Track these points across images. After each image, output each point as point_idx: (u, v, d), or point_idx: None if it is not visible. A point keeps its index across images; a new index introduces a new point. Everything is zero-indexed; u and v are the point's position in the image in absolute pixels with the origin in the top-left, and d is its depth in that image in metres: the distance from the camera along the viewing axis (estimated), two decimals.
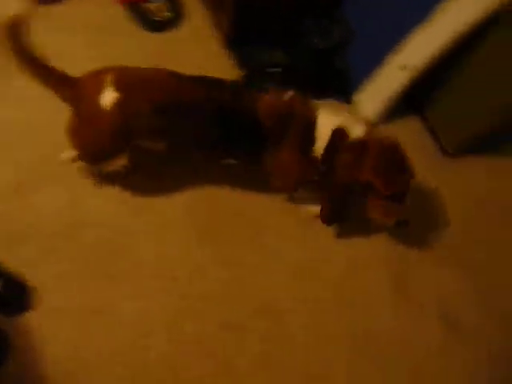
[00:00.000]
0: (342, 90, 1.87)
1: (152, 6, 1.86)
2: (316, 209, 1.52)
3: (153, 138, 1.38)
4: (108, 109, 1.20)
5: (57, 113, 1.27)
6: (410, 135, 1.89)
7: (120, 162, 1.48)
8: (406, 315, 1.56)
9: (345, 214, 1.48)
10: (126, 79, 1.23)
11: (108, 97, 1.19)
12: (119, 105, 1.20)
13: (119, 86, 1.20)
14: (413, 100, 1.92)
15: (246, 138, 1.36)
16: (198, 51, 1.89)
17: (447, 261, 1.67)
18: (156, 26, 1.85)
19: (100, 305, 1.39)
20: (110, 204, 1.54)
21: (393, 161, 1.33)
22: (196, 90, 1.28)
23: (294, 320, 1.49)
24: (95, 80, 1.22)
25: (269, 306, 1.49)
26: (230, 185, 1.65)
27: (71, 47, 1.77)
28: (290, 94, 1.36)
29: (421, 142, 1.90)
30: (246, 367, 1.38)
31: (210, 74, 1.67)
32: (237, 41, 1.82)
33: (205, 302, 1.46)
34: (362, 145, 1.32)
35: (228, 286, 1.50)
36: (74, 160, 1.45)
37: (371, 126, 1.44)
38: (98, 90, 1.20)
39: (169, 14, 1.86)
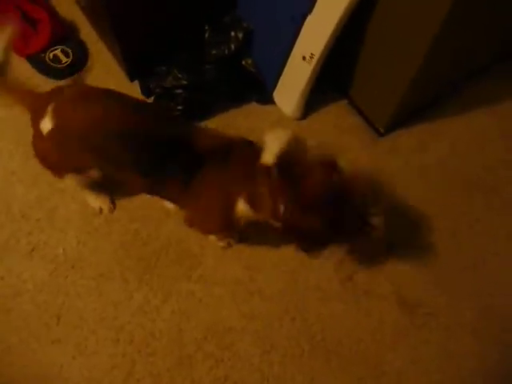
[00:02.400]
0: (258, 91, 1.80)
1: (52, 55, 1.83)
2: None
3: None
4: (45, 133, 1.23)
5: None
6: (341, 120, 1.84)
7: None
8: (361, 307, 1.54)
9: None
10: (62, 110, 1.23)
11: (45, 124, 1.22)
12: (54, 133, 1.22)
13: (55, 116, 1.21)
14: (338, 83, 1.84)
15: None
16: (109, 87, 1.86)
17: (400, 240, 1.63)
18: (61, 72, 1.83)
19: (46, 370, 1.42)
20: (40, 268, 1.55)
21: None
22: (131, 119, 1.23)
23: (244, 338, 1.48)
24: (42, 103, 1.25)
25: (217, 329, 1.49)
26: (158, 220, 1.64)
27: None
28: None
29: (353, 124, 1.82)
30: None
31: None
32: (138, 70, 1.78)
33: (154, 342, 1.48)
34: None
35: (173, 320, 1.50)
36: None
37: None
38: (40, 116, 1.23)
39: (69, 59, 1.83)
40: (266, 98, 1.82)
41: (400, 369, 1.47)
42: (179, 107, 1.71)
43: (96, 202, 1.62)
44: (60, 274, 1.55)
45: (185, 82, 1.68)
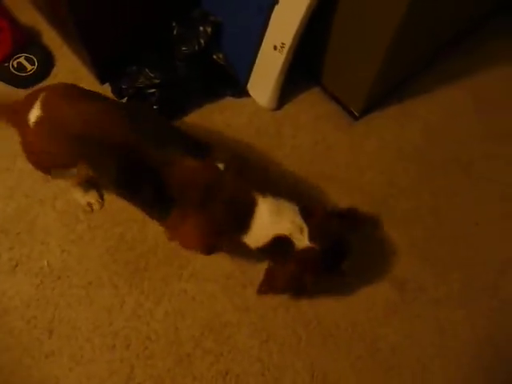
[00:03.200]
0: (232, 85, 1.80)
1: (15, 63, 1.78)
2: None
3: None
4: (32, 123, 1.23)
5: None
6: (316, 108, 1.85)
7: None
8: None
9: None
10: (50, 104, 1.23)
11: (33, 113, 1.22)
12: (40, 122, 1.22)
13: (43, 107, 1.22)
14: (310, 71, 1.86)
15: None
16: None
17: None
18: (27, 81, 1.78)
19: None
20: (25, 283, 1.52)
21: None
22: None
23: (241, 330, 1.49)
24: (31, 98, 1.26)
25: (213, 325, 1.49)
26: (143, 221, 1.62)
27: None
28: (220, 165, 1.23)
29: (328, 111, 1.84)
30: None
31: None
32: (108, 72, 1.75)
33: (151, 345, 1.47)
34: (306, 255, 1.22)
35: (168, 321, 1.49)
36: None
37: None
38: (27, 109, 1.24)
39: (34, 66, 1.78)
40: (240, 91, 1.82)
41: (394, 344, 1.50)
42: (155, 106, 1.69)
43: (84, 198, 1.59)
44: (47, 286, 1.52)
45: (157, 81, 1.66)
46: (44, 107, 1.23)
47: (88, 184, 1.58)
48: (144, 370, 1.43)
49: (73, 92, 1.29)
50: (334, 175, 1.72)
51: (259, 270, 1.53)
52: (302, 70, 1.84)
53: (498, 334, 1.52)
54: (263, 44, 1.64)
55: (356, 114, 1.79)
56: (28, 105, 1.25)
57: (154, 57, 1.72)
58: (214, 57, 1.76)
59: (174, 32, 1.72)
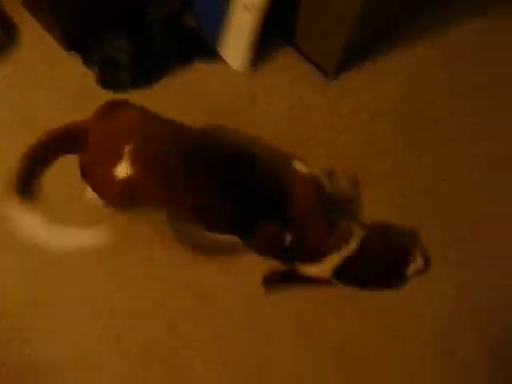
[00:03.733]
0: (204, 49, 1.76)
1: None
2: None
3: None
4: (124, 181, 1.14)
5: None
6: (291, 69, 1.83)
7: None
8: None
9: None
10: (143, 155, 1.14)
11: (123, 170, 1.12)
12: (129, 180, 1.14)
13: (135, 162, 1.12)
14: (283, 32, 1.82)
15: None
16: (42, 65, 1.77)
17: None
18: None
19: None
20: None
21: None
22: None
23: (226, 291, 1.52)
24: (110, 143, 1.14)
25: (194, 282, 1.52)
26: None
27: None
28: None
29: (302, 72, 1.82)
30: None
31: (63, 83, 1.67)
32: (77, 42, 1.69)
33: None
34: None
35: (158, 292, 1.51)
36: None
37: None
38: (112, 160, 1.12)
39: None
40: (213, 55, 1.79)
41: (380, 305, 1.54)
42: (127, 73, 1.65)
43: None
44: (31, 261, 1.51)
45: (128, 49, 1.61)
46: (136, 164, 1.12)
47: None
48: (131, 337, 1.45)
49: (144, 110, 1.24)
50: (311, 138, 1.72)
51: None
52: (275, 31, 1.81)
53: (475, 286, 1.56)
54: (233, 4, 1.60)
55: (331, 73, 1.78)
56: (106, 148, 1.14)
57: (124, 25, 1.66)
58: (185, 20, 1.71)
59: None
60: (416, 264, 1.44)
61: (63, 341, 1.44)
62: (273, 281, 1.48)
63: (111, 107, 1.22)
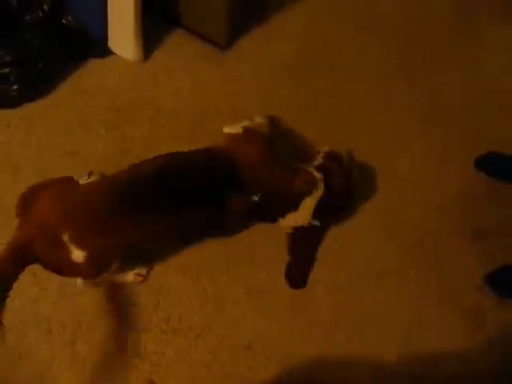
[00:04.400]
0: (91, 45, 1.74)
1: None
2: None
3: None
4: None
5: None
6: (184, 49, 1.86)
7: None
8: None
9: None
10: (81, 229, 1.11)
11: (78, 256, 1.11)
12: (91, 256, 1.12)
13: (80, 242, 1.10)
14: (169, 15, 1.84)
15: None
16: None
17: None
18: None
19: None
20: None
21: None
22: None
23: (172, 275, 1.53)
24: (51, 240, 1.11)
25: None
26: None
27: None
28: None
29: (196, 49, 1.86)
30: None
31: None
32: None
33: (85, 318, 1.46)
34: None
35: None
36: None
37: None
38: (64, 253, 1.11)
39: None
40: (103, 50, 1.78)
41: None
42: (15, 86, 1.60)
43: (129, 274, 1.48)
44: None
45: (9, 58, 1.56)
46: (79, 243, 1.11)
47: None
48: (85, 343, 1.43)
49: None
50: (217, 107, 1.76)
51: None
52: (162, 17, 1.83)
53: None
54: None
55: (223, 44, 1.83)
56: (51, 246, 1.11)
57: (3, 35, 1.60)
58: (64, 21, 1.69)
59: (14, 3, 1.61)
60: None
61: None
62: None
63: (25, 200, 1.19)
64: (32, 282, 1.49)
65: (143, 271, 1.51)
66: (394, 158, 1.76)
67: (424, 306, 1.56)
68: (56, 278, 1.44)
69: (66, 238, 1.09)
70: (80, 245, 1.10)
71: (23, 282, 1.44)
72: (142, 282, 1.51)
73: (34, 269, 1.43)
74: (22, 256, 1.13)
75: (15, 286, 1.41)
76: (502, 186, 1.72)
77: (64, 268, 1.17)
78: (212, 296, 1.53)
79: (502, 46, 2.01)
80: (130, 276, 1.48)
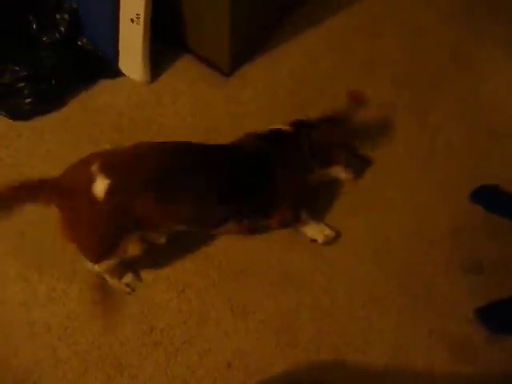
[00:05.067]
0: (103, 67, 1.85)
1: None
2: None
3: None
4: (102, 196, 1.15)
5: None
6: (190, 73, 1.95)
7: None
8: None
9: None
10: (112, 162, 1.20)
11: (99, 186, 1.15)
12: (112, 190, 1.15)
13: (108, 172, 1.16)
14: (176, 39, 1.95)
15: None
16: None
17: None
18: None
19: None
20: None
21: None
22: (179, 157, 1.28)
23: (157, 287, 1.55)
24: (81, 172, 1.18)
25: None
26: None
27: None
28: None
29: (201, 73, 1.94)
30: None
31: None
32: None
33: (72, 323, 1.49)
34: None
35: (83, 296, 1.52)
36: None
37: None
38: (88, 181, 1.15)
39: None
40: (113, 71, 1.88)
41: (300, 265, 1.62)
42: (28, 100, 1.71)
43: (122, 281, 1.53)
44: None
45: (25, 73, 1.68)
46: (108, 170, 1.16)
47: (121, 267, 1.50)
48: (68, 348, 1.45)
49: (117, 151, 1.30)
50: (217, 127, 1.82)
51: None
52: (169, 40, 1.94)
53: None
54: (121, 20, 1.71)
55: (227, 70, 1.91)
56: (80, 178, 1.17)
57: (18, 51, 1.73)
58: (79, 43, 1.81)
59: (34, 25, 1.75)
60: None
61: None
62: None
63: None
64: (23, 287, 1.54)
65: (130, 279, 1.53)
66: (388, 187, 1.76)
67: (411, 335, 1.52)
68: (46, 281, 1.53)
69: (94, 167, 1.15)
70: (107, 174, 1.15)
71: (14, 285, 1.53)
72: (129, 293, 1.54)
73: (25, 273, 1.55)
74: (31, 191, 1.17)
75: (5, 288, 1.52)
76: (497, 219, 1.69)
77: (79, 212, 1.19)
78: (196, 311, 1.53)
79: (501, 78, 2.02)
80: (118, 284, 1.51)
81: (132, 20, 1.68)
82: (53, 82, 1.75)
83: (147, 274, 1.57)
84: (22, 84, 1.69)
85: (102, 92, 1.89)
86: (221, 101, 1.89)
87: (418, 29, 2.13)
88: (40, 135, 1.79)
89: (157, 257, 1.59)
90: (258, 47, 1.99)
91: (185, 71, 1.94)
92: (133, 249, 1.53)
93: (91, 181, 1.15)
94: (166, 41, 1.91)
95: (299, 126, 1.52)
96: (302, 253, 1.63)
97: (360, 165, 1.74)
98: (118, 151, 1.27)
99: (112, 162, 1.20)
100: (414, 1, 2.21)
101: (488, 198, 1.73)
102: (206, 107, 1.87)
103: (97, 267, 1.37)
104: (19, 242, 1.60)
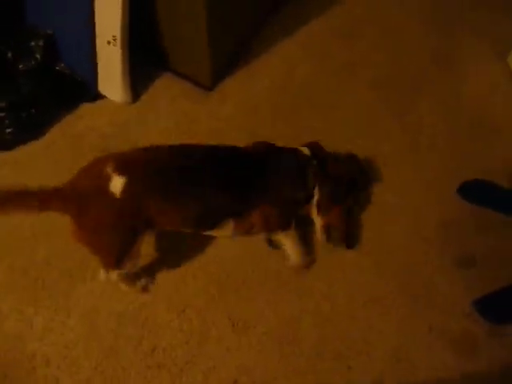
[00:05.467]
0: (83, 91, 1.84)
1: None
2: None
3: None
4: (119, 194, 1.17)
5: None
6: (171, 90, 1.95)
7: None
8: None
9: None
10: (124, 162, 1.22)
11: (116, 184, 1.17)
12: (129, 187, 1.18)
13: (122, 171, 1.18)
14: (157, 58, 1.95)
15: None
16: None
17: None
18: None
19: None
20: None
21: None
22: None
23: (158, 308, 1.54)
24: (95, 174, 1.20)
25: (127, 310, 1.53)
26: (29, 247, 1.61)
27: None
28: None
29: (182, 90, 1.95)
30: None
31: None
32: None
33: (71, 352, 1.47)
34: None
35: (82, 323, 1.50)
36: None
37: None
38: (104, 181, 1.17)
39: None
40: (93, 94, 1.87)
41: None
42: (8, 130, 1.68)
43: (136, 286, 1.54)
44: None
45: (3, 104, 1.65)
46: (122, 168, 1.19)
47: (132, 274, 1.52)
48: (71, 378, 1.43)
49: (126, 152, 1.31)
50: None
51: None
52: (148, 59, 1.94)
53: None
54: (97, 42, 1.70)
55: (208, 85, 1.91)
56: (95, 179, 1.19)
57: None
58: (57, 68, 1.79)
59: (8, 54, 1.73)
60: None
61: None
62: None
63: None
64: (18, 319, 1.51)
65: (144, 282, 1.55)
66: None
67: (412, 334, 1.53)
68: (43, 314, 1.51)
69: (108, 167, 1.18)
70: (121, 172, 1.17)
71: (9, 318, 1.50)
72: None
73: (22, 306, 1.52)
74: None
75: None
76: (485, 212, 1.72)
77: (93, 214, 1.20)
78: (197, 330, 1.52)
79: (481, 78, 2.06)
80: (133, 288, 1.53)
81: (109, 42, 1.67)
82: (32, 110, 1.73)
83: (146, 295, 1.56)
84: (2, 114, 1.67)
85: (84, 116, 1.87)
86: (203, 117, 1.89)
87: (398, 30, 2.17)
88: (22, 164, 1.77)
89: (157, 277, 1.59)
90: (238, 60, 2.01)
91: (166, 89, 1.94)
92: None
93: (108, 180, 1.17)
94: (145, 60, 1.91)
95: (317, 153, 1.54)
96: None
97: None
98: (128, 153, 1.30)
99: (124, 162, 1.23)
100: (394, 2, 2.25)
101: (473, 192, 1.76)
102: (190, 124, 1.87)
103: (114, 274, 1.38)
104: (9, 274, 1.58)
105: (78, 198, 1.19)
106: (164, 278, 1.59)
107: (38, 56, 1.72)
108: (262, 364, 1.49)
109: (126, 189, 1.18)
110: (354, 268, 1.63)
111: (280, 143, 1.78)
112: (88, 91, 1.85)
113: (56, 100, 1.81)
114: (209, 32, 1.67)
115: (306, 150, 1.53)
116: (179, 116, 1.88)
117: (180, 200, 1.30)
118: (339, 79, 2.00)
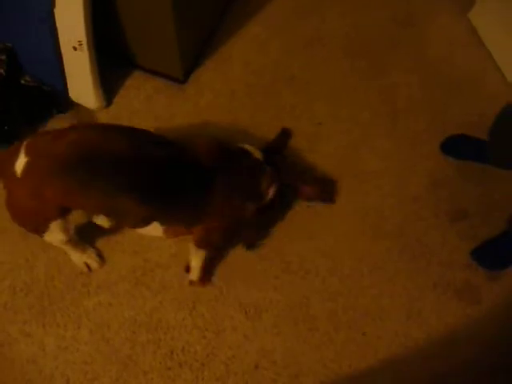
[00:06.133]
0: (53, 102, 1.77)
1: None
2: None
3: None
4: (21, 173, 1.16)
5: None
6: (144, 89, 1.90)
7: None
8: None
9: None
10: (36, 142, 1.20)
11: (19, 164, 1.16)
12: (29, 171, 1.16)
13: (29, 151, 1.17)
14: (124, 58, 1.89)
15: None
16: None
17: None
18: None
19: None
20: None
21: None
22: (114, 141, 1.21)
23: (167, 309, 1.53)
24: (12, 150, 1.20)
25: (139, 318, 1.52)
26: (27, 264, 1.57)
27: None
28: None
29: (155, 87, 1.90)
30: None
31: None
32: None
33: (90, 367, 1.46)
34: None
35: (95, 337, 1.49)
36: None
37: None
38: (14, 158, 1.17)
39: None
40: (65, 104, 1.80)
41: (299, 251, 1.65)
42: None
43: (81, 258, 1.53)
44: None
45: None
46: (30, 149, 1.17)
47: (83, 244, 1.52)
48: None
49: (55, 131, 1.26)
50: (185, 136, 1.79)
51: (160, 252, 1.59)
52: (117, 60, 1.88)
53: None
54: (62, 50, 1.64)
55: (181, 77, 1.88)
56: (12, 156, 1.18)
57: None
58: (23, 81, 1.72)
59: None
60: None
61: None
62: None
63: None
64: (29, 342, 1.48)
65: (90, 260, 1.55)
66: (362, 157, 1.81)
67: (418, 292, 1.59)
68: (53, 333, 1.48)
69: (22, 145, 1.18)
70: (28, 153, 1.16)
71: (19, 342, 1.47)
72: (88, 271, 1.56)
73: (30, 328, 1.49)
74: None
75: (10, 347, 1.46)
76: (471, 165, 1.77)
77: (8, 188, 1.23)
78: (211, 323, 1.53)
79: (444, 31, 2.09)
80: (78, 259, 1.53)
81: (75, 48, 1.61)
82: (5, 127, 1.66)
83: (154, 298, 1.55)
84: None
85: (57, 127, 1.80)
86: (182, 110, 1.86)
87: None
88: None
89: (158, 276, 1.59)
90: (208, 48, 1.97)
91: (138, 89, 1.89)
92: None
93: (16, 158, 1.17)
94: (114, 61, 1.85)
95: (271, 155, 1.48)
96: (300, 240, 1.66)
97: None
98: (54, 131, 1.26)
99: (37, 142, 1.21)
100: None
101: (456, 147, 1.80)
102: (168, 120, 1.84)
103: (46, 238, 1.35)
104: (11, 294, 1.54)
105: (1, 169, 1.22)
106: (165, 276, 1.59)
107: (1, 71, 1.64)
108: (280, 345, 1.52)
109: (27, 170, 1.16)
110: (352, 241, 1.67)
111: (263, 125, 1.82)
112: (59, 101, 1.78)
113: (26, 114, 1.73)
114: (175, 24, 1.62)
115: (258, 154, 1.42)
116: (158, 113, 1.84)
117: (86, 192, 1.19)
118: (310, 53, 2.00)
